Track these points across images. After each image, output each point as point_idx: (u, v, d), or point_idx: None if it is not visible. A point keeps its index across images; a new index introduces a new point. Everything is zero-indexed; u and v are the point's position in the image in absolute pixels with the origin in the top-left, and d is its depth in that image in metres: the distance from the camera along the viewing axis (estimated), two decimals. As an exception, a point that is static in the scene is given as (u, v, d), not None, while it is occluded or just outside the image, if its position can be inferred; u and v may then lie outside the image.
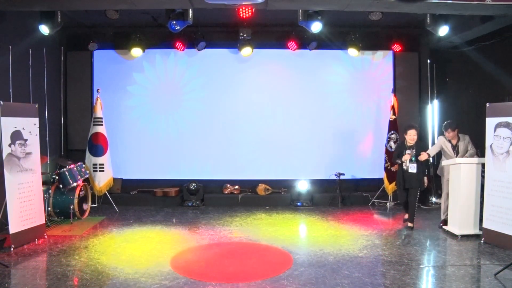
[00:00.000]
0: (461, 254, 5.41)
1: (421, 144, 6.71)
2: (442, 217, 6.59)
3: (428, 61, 8.64)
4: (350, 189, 8.62)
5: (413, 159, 6.35)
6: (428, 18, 6.46)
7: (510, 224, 5.39)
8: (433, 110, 8.69)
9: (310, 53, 8.54)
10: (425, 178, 6.55)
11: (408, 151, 6.43)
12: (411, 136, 6.40)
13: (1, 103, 5.41)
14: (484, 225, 5.76)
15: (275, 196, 8.48)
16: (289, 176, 8.59)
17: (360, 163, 8.75)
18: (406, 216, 6.78)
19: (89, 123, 8.06)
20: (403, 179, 6.51)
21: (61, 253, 5.37)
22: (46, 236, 6.00)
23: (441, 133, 7.11)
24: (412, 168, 6.37)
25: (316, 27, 6.60)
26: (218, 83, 8.66)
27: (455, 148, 6.39)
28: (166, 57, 8.66)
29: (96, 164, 7.86)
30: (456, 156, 6.32)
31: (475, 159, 6.10)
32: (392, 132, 8.04)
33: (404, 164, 6.43)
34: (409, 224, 6.58)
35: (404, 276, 4.61)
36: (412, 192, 6.49)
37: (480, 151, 6.36)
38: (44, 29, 6.58)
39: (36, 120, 5.96)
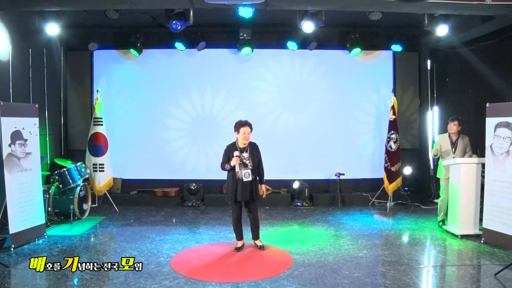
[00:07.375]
0: (461, 254, 5.41)
1: None
2: (439, 219, 6.60)
3: (428, 61, 8.63)
4: (350, 189, 8.62)
5: (248, 164, 5.34)
6: (425, 18, 6.46)
7: (510, 224, 5.38)
8: (433, 110, 8.69)
9: (310, 53, 8.54)
10: (263, 186, 5.54)
11: (237, 153, 5.34)
12: (245, 135, 5.41)
13: (1, 103, 5.40)
14: (484, 225, 5.75)
15: (275, 196, 8.47)
16: (289, 176, 8.57)
17: (360, 163, 8.75)
18: (240, 243, 5.60)
19: (89, 123, 8.06)
20: (236, 190, 5.38)
21: (61, 253, 5.37)
22: (46, 236, 6.00)
23: (441, 133, 7.11)
24: (247, 176, 5.35)
25: (308, 27, 6.57)
26: (218, 83, 8.67)
27: (454, 144, 6.36)
28: (166, 57, 8.66)
29: (96, 164, 7.86)
30: (454, 153, 6.32)
31: (475, 159, 6.09)
32: (392, 132, 8.04)
33: (237, 171, 5.35)
34: (259, 243, 5.62)
35: (404, 276, 4.60)
36: (253, 205, 5.52)
37: (480, 151, 6.35)
38: (53, 28, 6.55)
39: (36, 120, 5.96)
